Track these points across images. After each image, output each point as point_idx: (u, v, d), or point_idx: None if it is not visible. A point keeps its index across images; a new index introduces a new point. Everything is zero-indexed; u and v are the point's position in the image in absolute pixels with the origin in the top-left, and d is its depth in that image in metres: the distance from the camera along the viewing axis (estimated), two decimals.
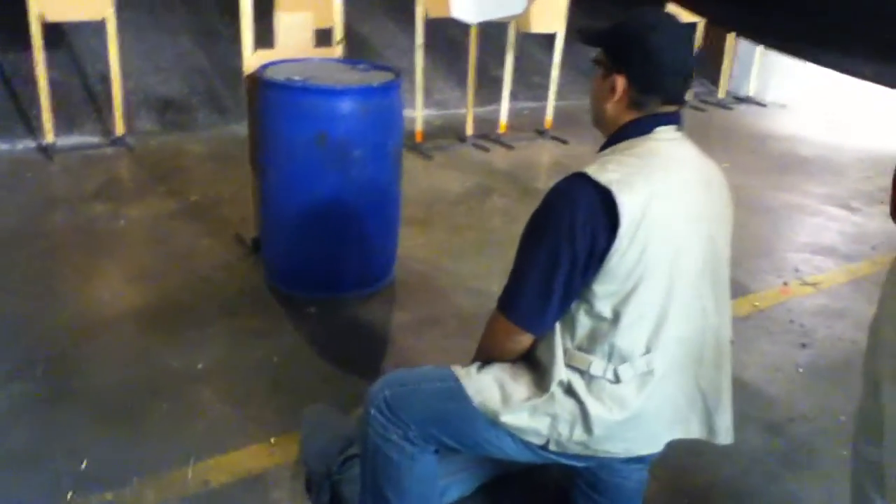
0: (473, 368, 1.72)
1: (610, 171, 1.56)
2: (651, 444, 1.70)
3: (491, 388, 1.66)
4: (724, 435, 1.73)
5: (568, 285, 1.56)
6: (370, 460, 1.78)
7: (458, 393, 1.68)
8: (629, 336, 1.59)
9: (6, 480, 2.14)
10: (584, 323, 1.61)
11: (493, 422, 1.65)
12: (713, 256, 1.71)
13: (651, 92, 1.64)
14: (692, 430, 1.72)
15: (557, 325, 1.63)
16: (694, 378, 1.69)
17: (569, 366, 1.61)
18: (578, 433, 1.61)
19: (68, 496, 2.10)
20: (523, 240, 1.64)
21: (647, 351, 1.61)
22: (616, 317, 1.58)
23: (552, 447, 1.64)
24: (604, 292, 1.57)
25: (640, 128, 1.65)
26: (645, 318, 1.59)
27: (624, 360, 1.59)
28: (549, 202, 1.61)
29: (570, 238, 1.53)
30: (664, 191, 1.58)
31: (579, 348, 1.62)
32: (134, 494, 2.12)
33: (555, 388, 1.60)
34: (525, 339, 1.66)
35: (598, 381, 1.60)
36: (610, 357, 1.60)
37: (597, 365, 1.60)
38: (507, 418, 1.62)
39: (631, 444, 1.66)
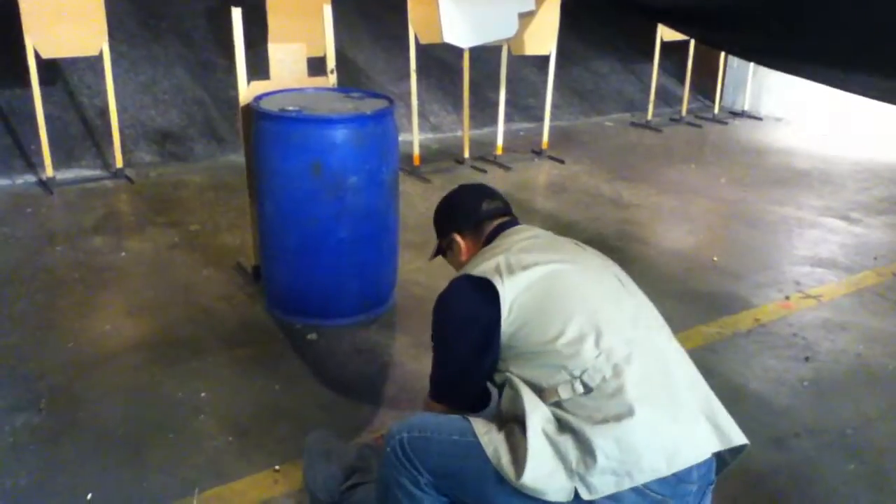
0: (494, 426, 1.68)
1: (480, 266, 1.81)
2: (681, 442, 1.57)
3: (507, 449, 1.61)
4: (736, 435, 1.65)
5: (483, 363, 1.77)
6: (382, 498, 1.77)
7: (475, 450, 1.63)
8: (573, 351, 1.62)
9: None
10: (531, 369, 1.67)
11: (510, 486, 1.57)
12: (603, 271, 1.86)
13: (478, 224, 2.01)
14: (703, 430, 1.61)
15: (519, 385, 1.66)
16: (662, 367, 1.66)
17: (549, 406, 1.61)
18: (593, 460, 1.52)
19: None
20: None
21: (599, 354, 1.62)
22: (553, 346, 1.65)
23: (584, 495, 1.53)
24: (526, 340, 1.70)
25: (490, 238, 1.98)
26: (583, 337, 1.64)
27: (584, 370, 1.61)
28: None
29: (463, 329, 1.79)
30: (525, 248, 1.84)
31: (542, 390, 1.63)
32: None
33: (543, 433, 1.57)
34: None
35: (573, 401, 1.59)
36: (571, 376, 1.61)
37: (564, 389, 1.61)
38: (526, 479, 1.54)
39: (659, 449, 1.54)
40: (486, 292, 1.73)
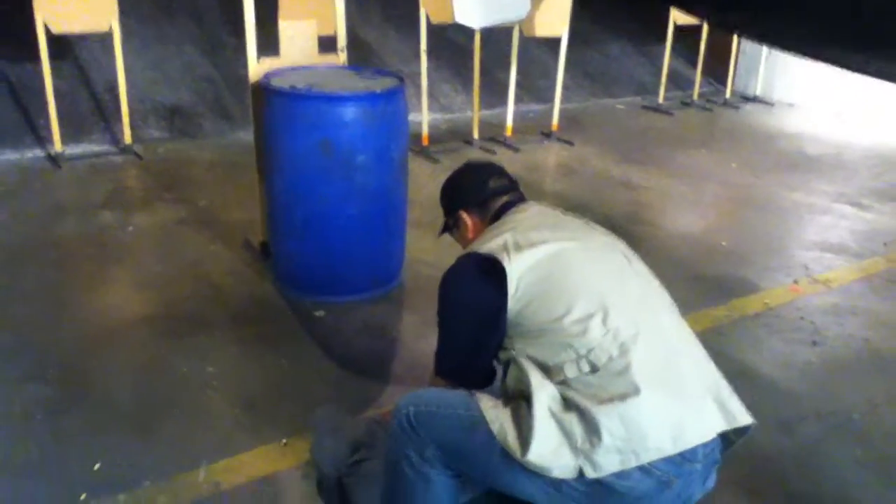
0: (500, 402, 1.69)
1: (487, 244, 1.81)
2: (687, 422, 1.57)
3: (512, 426, 1.61)
4: (742, 415, 1.65)
5: (489, 340, 1.77)
6: (390, 472, 1.78)
7: (481, 426, 1.64)
8: (580, 329, 1.62)
9: (21, 482, 2.16)
10: (537, 347, 1.66)
11: (515, 462, 1.58)
12: (610, 249, 1.85)
13: (484, 202, 2.00)
14: (709, 409, 1.60)
15: (525, 363, 1.66)
16: (669, 346, 1.67)
17: (555, 384, 1.61)
18: (598, 439, 1.53)
19: (81, 497, 2.11)
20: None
21: (606, 332, 1.61)
22: (560, 325, 1.64)
23: (589, 472, 1.54)
24: (532, 318, 1.69)
25: (497, 216, 1.96)
26: (590, 316, 1.63)
27: (590, 349, 1.60)
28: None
29: (469, 306, 1.79)
30: (532, 226, 1.84)
31: (548, 368, 1.63)
32: (146, 497, 2.13)
33: (549, 412, 1.57)
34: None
35: (579, 380, 1.59)
36: (577, 354, 1.61)
37: (570, 368, 1.61)
38: (532, 456, 1.55)
39: (665, 428, 1.54)
40: (492, 270, 1.73)
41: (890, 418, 2.65)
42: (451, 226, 2.12)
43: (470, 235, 2.02)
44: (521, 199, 2.02)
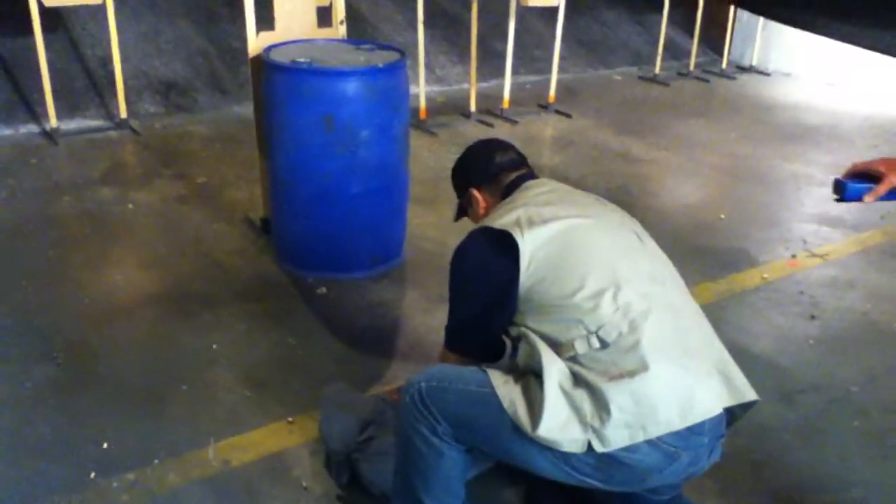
0: (511, 377, 1.71)
1: (500, 219, 1.81)
2: (695, 397, 1.58)
3: (523, 401, 1.64)
4: (747, 391, 1.67)
5: (499, 316, 1.78)
6: (402, 446, 1.80)
7: (492, 401, 1.66)
8: (591, 306, 1.64)
9: (31, 461, 2.18)
10: (548, 323, 1.68)
11: (525, 436, 1.61)
12: (622, 226, 1.86)
13: (493, 177, 2.01)
14: (716, 385, 1.63)
15: (535, 340, 1.67)
16: (678, 323, 1.69)
17: (565, 360, 1.63)
18: (607, 414, 1.55)
19: (91, 476, 2.13)
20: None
21: (617, 309, 1.63)
22: (572, 301, 1.66)
23: (598, 447, 1.56)
24: (544, 294, 1.70)
25: (508, 192, 1.97)
26: (601, 292, 1.65)
27: (601, 325, 1.62)
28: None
29: (481, 281, 1.80)
30: (545, 202, 1.84)
31: (558, 344, 1.65)
32: (156, 474, 2.15)
33: (559, 388, 1.60)
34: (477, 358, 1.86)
35: (589, 356, 1.61)
36: (587, 331, 1.63)
37: (580, 344, 1.63)
38: (542, 431, 1.57)
39: (673, 403, 1.56)
40: (505, 245, 1.73)
41: (888, 390, 2.69)
42: (464, 207, 2.12)
43: (482, 212, 2.02)
44: (531, 175, 2.02)
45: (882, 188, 1.71)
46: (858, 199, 1.75)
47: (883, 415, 2.55)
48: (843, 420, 2.52)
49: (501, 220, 1.80)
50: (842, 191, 1.77)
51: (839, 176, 1.80)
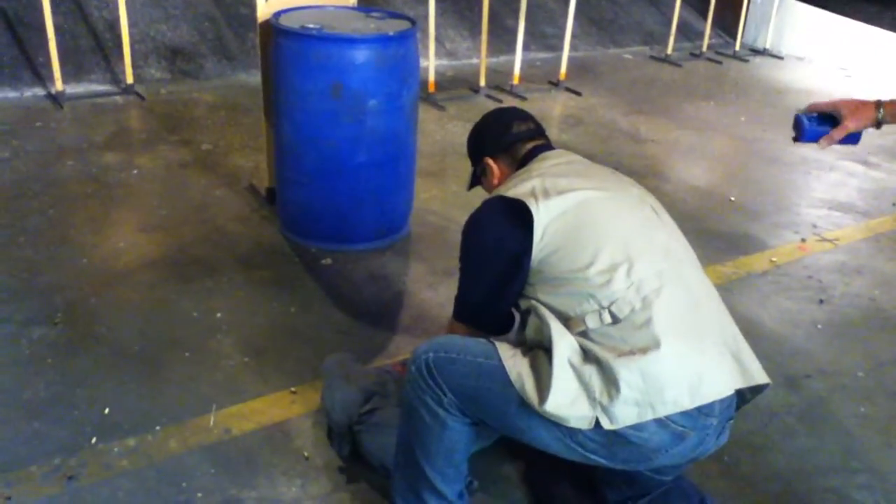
0: (519, 351, 1.68)
1: (515, 189, 1.78)
2: (705, 377, 1.56)
3: (531, 375, 1.61)
4: (759, 373, 1.65)
5: (510, 287, 1.75)
6: (406, 417, 1.78)
7: (499, 374, 1.63)
8: (604, 280, 1.60)
9: (31, 426, 2.16)
10: (558, 297, 1.65)
11: (532, 410, 1.58)
12: (638, 201, 1.84)
13: (509, 147, 1.97)
14: (727, 366, 1.61)
15: (545, 313, 1.64)
16: (691, 301, 1.66)
17: (575, 335, 1.60)
18: (616, 391, 1.52)
19: (92, 441, 2.12)
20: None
21: (630, 285, 1.60)
22: (584, 274, 1.63)
23: (606, 424, 1.53)
24: (556, 266, 1.67)
25: (524, 162, 1.93)
26: (615, 266, 1.62)
27: (613, 300, 1.59)
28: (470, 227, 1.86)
29: (493, 251, 1.76)
30: (561, 173, 1.81)
31: (568, 319, 1.62)
32: (157, 441, 2.14)
33: (569, 363, 1.57)
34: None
35: (600, 332, 1.58)
36: (599, 305, 1.60)
37: (591, 319, 1.60)
38: (549, 406, 1.54)
39: (683, 382, 1.53)
40: (519, 215, 1.70)
41: (894, 377, 2.67)
42: (478, 175, 2.07)
43: (496, 182, 1.98)
44: (548, 146, 1.97)
45: (837, 134, 1.73)
46: (815, 141, 1.76)
47: (889, 401, 2.53)
48: (848, 405, 2.49)
49: (516, 189, 1.76)
50: (800, 131, 1.78)
51: (799, 111, 1.81)
